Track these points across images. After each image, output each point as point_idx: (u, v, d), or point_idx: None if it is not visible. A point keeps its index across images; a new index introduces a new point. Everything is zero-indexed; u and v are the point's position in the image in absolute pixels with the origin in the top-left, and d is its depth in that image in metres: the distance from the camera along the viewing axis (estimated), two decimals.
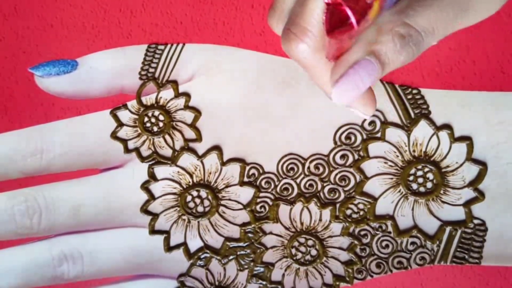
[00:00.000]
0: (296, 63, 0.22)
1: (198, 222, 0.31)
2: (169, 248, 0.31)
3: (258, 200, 0.31)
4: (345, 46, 0.20)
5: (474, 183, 0.29)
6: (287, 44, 0.21)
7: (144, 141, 0.31)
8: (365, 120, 0.30)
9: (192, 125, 0.31)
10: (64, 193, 0.31)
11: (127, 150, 0.31)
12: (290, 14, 0.21)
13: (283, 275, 0.30)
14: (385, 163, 0.30)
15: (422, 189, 0.30)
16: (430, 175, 0.30)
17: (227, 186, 0.31)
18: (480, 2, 0.20)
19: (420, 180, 0.30)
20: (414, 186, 0.30)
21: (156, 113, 0.31)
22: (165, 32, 0.32)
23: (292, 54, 0.21)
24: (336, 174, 0.30)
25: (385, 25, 0.19)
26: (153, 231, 0.31)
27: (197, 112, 0.31)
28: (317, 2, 0.20)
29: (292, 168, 0.31)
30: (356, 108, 0.24)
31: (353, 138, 0.30)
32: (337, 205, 0.30)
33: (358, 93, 0.20)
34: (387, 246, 0.30)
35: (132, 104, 0.31)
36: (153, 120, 0.31)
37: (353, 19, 0.17)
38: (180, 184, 0.31)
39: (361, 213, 0.30)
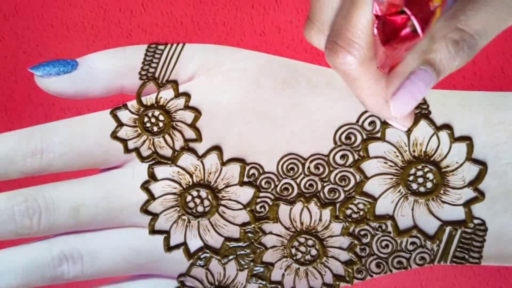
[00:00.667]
0: (340, 75, 0.21)
1: (198, 222, 0.31)
2: (169, 248, 0.31)
3: (258, 200, 0.31)
4: (398, 56, 0.20)
5: (474, 183, 0.29)
6: (334, 56, 0.21)
7: (144, 141, 0.31)
8: (365, 120, 0.30)
9: (192, 125, 0.31)
10: (64, 193, 0.31)
11: (127, 150, 0.31)
12: (334, 26, 0.21)
13: (283, 275, 0.30)
14: (385, 163, 0.30)
15: (422, 189, 0.30)
16: (430, 175, 0.30)
17: (227, 186, 0.31)
18: None
19: (420, 180, 0.30)
20: (414, 186, 0.30)
21: (156, 113, 0.31)
22: (165, 32, 0.32)
23: (339, 66, 0.21)
24: (336, 174, 0.30)
25: (438, 32, 0.19)
26: (153, 231, 0.31)
27: (197, 112, 0.31)
28: (363, 14, 0.19)
29: (292, 168, 0.31)
30: (395, 123, 0.24)
31: (353, 138, 0.30)
32: (337, 205, 0.30)
33: (416, 103, 0.20)
34: (387, 246, 0.30)
35: (132, 104, 0.31)
36: (153, 120, 0.31)
37: (418, 28, 0.17)
38: (180, 184, 0.31)
39: (361, 213, 0.30)
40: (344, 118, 0.30)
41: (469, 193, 0.29)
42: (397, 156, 0.30)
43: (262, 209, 0.31)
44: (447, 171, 0.30)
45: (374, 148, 0.30)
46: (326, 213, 0.30)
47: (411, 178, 0.30)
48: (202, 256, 0.31)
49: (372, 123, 0.30)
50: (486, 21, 0.20)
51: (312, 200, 0.30)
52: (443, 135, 0.30)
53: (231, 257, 0.30)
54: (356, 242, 0.30)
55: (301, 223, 0.30)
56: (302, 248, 0.30)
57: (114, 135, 0.31)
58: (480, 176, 0.29)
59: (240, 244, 0.30)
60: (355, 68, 0.21)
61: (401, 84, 0.20)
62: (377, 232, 0.30)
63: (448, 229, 0.29)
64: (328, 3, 0.22)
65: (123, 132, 0.31)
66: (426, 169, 0.30)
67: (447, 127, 0.30)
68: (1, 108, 0.33)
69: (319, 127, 0.30)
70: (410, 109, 0.20)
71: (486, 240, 0.29)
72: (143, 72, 0.31)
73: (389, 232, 0.30)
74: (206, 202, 0.31)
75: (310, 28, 0.24)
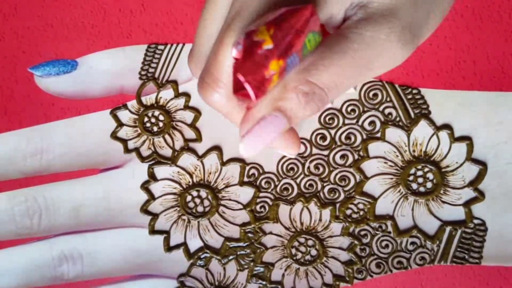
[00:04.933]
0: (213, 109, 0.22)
1: (198, 222, 0.31)
2: (169, 248, 0.31)
3: (258, 200, 0.31)
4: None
5: (474, 183, 0.29)
6: (202, 92, 0.22)
7: (144, 141, 0.31)
8: (365, 120, 0.30)
9: (192, 125, 0.31)
10: (64, 193, 0.31)
11: (127, 150, 0.31)
12: (206, 62, 0.22)
13: (283, 275, 0.30)
14: (385, 163, 0.30)
15: (422, 189, 0.30)
16: (430, 175, 0.30)
17: (227, 186, 0.31)
18: (384, 58, 0.21)
19: (420, 180, 0.30)
20: (414, 186, 0.30)
21: (156, 113, 0.31)
22: (165, 32, 0.32)
23: (207, 102, 0.22)
24: (336, 174, 0.30)
25: (290, 83, 0.20)
26: (153, 231, 0.31)
27: (197, 112, 0.31)
28: (228, 55, 0.20)
29: (292, 168, 0.31)
30: (279, 149, 0.25)
31: (353, 138, 0.30)
32: (337, 205, 0.30)
33: (265, 146, 0.21)
34: (387, 246, 0.30)
35: (132, 104, 0.31)
36: (153, 120, 0.31)
37: (252, 94, 0.18)
38: (180, 184, 0.31)
39: (361, 213, 0.30)
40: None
41: (469, 193, 0.29)
42: (397, 156, 0.30)
43: (262, 209, 0.31)
44: (447, 171, 0.30)
45: (374, 148, 0.30)
46: (326, 213, 0.30)
47: (411, 178, 0.30)
48: (202, 256, 0.31)
49: (372, 123, 0.30)
50: (336, 77, 0.20)
51: (312, 200, 0.30)
52: (443, 135, 0.30)
53: (231, 257, 0.30)
54: (356, 242, 0.30)
55: (301, 223, 0.30)
56: (302, 248, 0.30)
57: (114, 135, 0.31)
58: (480, 176, 0.29)
59: (240, 244, 0.30)
60: (223, 104, 0.22)
61: (251, 127, 0.21)
62: (377, 232, 0.30)
63: (448, 229, 0.29)
64: (205, 40, 0.23)
65: (123, 132, 0.31)
66: (426, 169, 0.30)
67: (447, 127, 0.30)
68: (1, 108, 0.33)
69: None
70: (258, 150, 0.21)
71: (486, 240, 0.29)
72: (143, 72, 0.31)
73: (389, 232, 0.30)
74: (206, 202, 0.31)
75: (191, 61, 0.25)
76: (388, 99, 0.30)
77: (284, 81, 0.20)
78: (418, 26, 0.21)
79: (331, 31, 0.22)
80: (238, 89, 0.18)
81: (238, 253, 0.30)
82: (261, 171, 0.31)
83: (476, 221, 0.29)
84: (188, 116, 0.31)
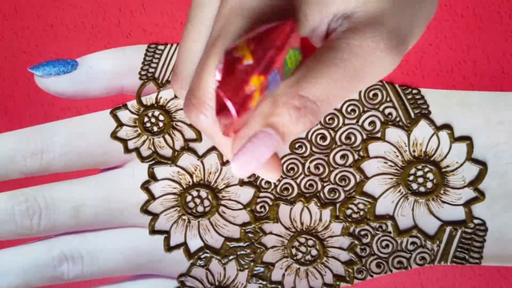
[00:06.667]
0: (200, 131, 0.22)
1: (198, 222, 0.31)
2: (169, 248, 0.31)
3: (258, 200, 0.31)
4: (241, 123, 0.20)
5: (474, 183, 0.29)
6: (188, 114, 0.21)
7: (144, 141, 0.31)
8: (365, 120, 0.30)
9: (192, 125, 0.31)
10: (64, 193, 0.31)
11: (127, 150, 0.31)
12: (191, 84, 0.21)
13: (283, 275, 0.30)
14: (385, 163, 0.30)
15: (422, 189, 0.30)
16: (430, 175, 0.30)
17: (227, 186, 0.31)
18: (374, 67, 0.21)
19: (420, 180, 0.30)
20: (414, 186, 0.30)
21: (156, 113, 0.31)
22: (165, 32, 0.32)
23: (194, 123, 0.22)
24: (336, 174, 0.30)
25: (280, 97, 0.20)
26: (153, 231, 0.31)
27: None
28: (211, 77, 0.20)
29: (292, 168, 0.31)
30: (261, 174, 0.25)
31: (353, 138, 0.30)
32: (337, 205, 0.30)
33: (258, 165, 0.20)
34: (387, 246, 0.30)
35: (132, 104, 0.31)
36: (153, 120, 0.31)
37: (232, 110, 0.17)
38: (180, 184, 0.31)
39: (361, 213, 0.30)
40: None
41: (469, 193, 0.29)
42: (397, 156, 0.30)
43: (262, 209, 0.31)
44: (447, 171, 0.30)
45: (374, 148, 0.30)
46: (326, 213, 0.30)
47: (411, 178, 0.30)
48: (202, 256, 0.31)
49: (372, 123, 0.30)
50: (328, 90, 0.20)
51: (312, 200, 0.30)
52: (443, 135, 0.30)
53: (231, 257, 0.30)
54: (356, 242, 0.30)
55: (301, 223, 0.30)
56: (303, 248, 0.30)
57: (114, 135, 0.31)
58: (480, 176, 0.29)
59: (240, 244, 0.30)
60: (208, 126, 0.21)
61: (243, 145, 0.20)
62: (377, 232, 0.30)
63: (448, 229, 0.29)
64: (188, 61, 0.23)
65: (123, 132, 0.31)
66: (426, 169, 0.30)
67: (447, 127, 0.30)
68: (1, 108, 0.33)
69: None
70: (252, 170, 0.20)
71: (486, 240, 0.29)
72: (143, 72, 0.31)
73: (389, 232, 0.30)
74: (206, 202, 0.31)
75: (175, 82, 0.24)
76: (388, 99, 0.30)
77: (275, 96, 0.20)
78: (404, 32, 0.21)
79: (317, 45, 0.22)
80: (220, 109, 0.18)
81: (238, 253, 0.30)
82: None
83: (476, 221, 0.29)
84: None
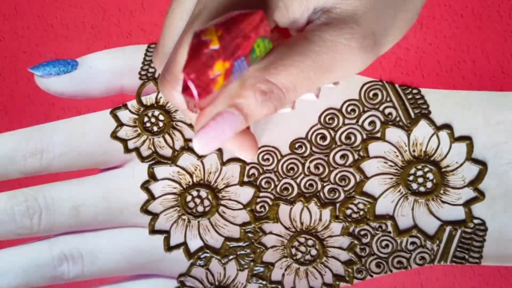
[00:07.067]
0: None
1: (198, 222, 0.31)
2: (169, 248, 0.31)
3: (258, 200, 0.31)
4: (204, 103, 0.20)
5: (474, 183, 0.29)
6: (162, 88, 0.22)
7: (144, 141, 0.31)
8: (365, 119, 0.30)
9: (192, 125, 0.31)
10: (64, 193, 0.31)
11: (127, 150, 0.31)
12: (167, 60, 0.22)
13: (283, 274, 0.30)
14: (385, 163, 0.30)
15: (422, 189, 0.30)
16: (430, 175, 0.30)
17: (227, 186, 0.31)
18: (344, 63, 0.21)
19: (420, 180, 0.30)
20: (414, 186, 0.30)
21: (156, 113, 0.31)
22: None
23: (166, 98, 0.22)
24: (336, 174, 0.30)
25: (248, 79, 0.20)
26: (153, 231, 0.31)
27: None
28: (184, 55, 0.20)
29: (292, 168, 0.31)
30: (234, 152, 0.25)
31: (353, 138, 0.30)
32: (337, 205, 0.30)
33: (220, 143, 0.21)
34: (387, 246, 0.30)
35: (132, 104, 0.31)
36: (153, 120, 0.31)
37: (194, 92, 0.18)
38: (180, 184, 0.31)
39: (361, 213, 0.30)
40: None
41: (469, 193, 0.29)
42: (397, 156, 0.30)
43: (262, 209, 0.31)
44: (447, 171, 0.30)
45: (374, 148, 0.30)
46: (326, 213, 0.30)
47: (411, 178, 0.30)
48: (202, 256, 0.31)
49: (372, 123, 0.30)
50: (295, 78, 0.20)
51: (312, 200, 0.30)
52: (443, 135, 0.30)
53: (231, 257, 0.30)
54: (356, 242, 0.30)
55: (301, 223, 0.30)
56: (302, 248, 0.30)
57: (114, 135, 0.31)
58: (480, 176, 0.29)
59: (240, 244, 0.30)
60: (180, 102, 0.22)
61: (206, 123, 0.20)
62: (377, 232, 0.30)
63: (448, 229, 0.29)
64: (169, 38, 0.23)
65: (123, 132, 0.31)
66: (426, 169, 0.30)
67: (447, 127, 0.30)
68: (1, 108, 0.33)
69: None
70: (214, 147, 0.21)
71: (486, 240, 0.29)
72: (143, 72, 0.31)
73: (389, 232, 0.30)
74: (206, 202, 0.31)
75: (155, 58, 0.24)
76: (388, 99, 0.30)
77: (242, 78, 0.20)
78: (381, 34, 0.21)
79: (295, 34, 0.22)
80: (185, 89, 0.18)
81: (238, 253, 0.30)
82: (261, 171, 0.31)
83: (476, 221, 0.29)
84: None
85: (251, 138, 0.25)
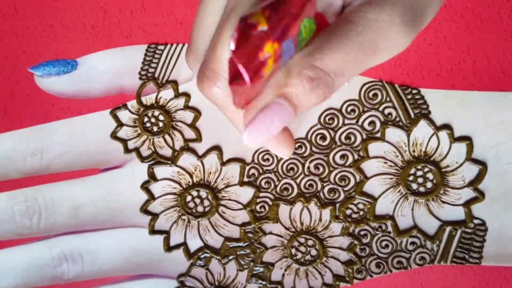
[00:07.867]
0: (212, 103, 0.22)
1: (198, 222, 0.31)
2: (169, 248, 0.31)
3: (258, 200, 0.31)
4: (253, 94, 0.20)
5: (474, 183, 0.29)
6: (201, 86, 0.21)
7: (144, 141, 0.31)
8: (365, 120, 0.30)
9: (192, 125, 0.31)
10: (64, 193, 0.31)
11: (127, 150, 0.31)
12: (205, 56, 0.21)
13: (283, 275, 0.30)
14: (385, 163, 0.30)
15: (422, 189, 0.30)
16: (430, 175, 0.30)
17: (227, 186, 0.31)
18: (388, 41, 0.21)
19: (420, 180, 0.30)
20: (414, 186, 0.30)
21: (156, 113, 0.31)
22: (165, 32, 0.32)
23: (206, 95, 0.21)
24: (336, 174, 0.30)
25: (294, 68, 0.19)
26: (153, 231, 0.31)
27: (197, 112, 0.31)
28: (225, 48, 0.20)
29: (292, 168, 0.31)
30: (272, 150, 0.24)
31: (353, 138, 0.30)
32: (337, 205, 0.30)
33: (269, 136, 0.20)
34: (387, 246, 0.30)
35: (132, 104, 0.31)
36: (153, 120, 0.31)
37: (246, 76, 0.17)
38: (180, 184, 0.31)
39: (361, 213, 0.30)
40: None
41: (469, 193, 0.29)
42: (397, 156, 0.30)
43: (262, 209, 0.31)
44: (447, 171, 0.30)
45: (374, 148, 0.30)
46: (326, 213, 0.30)
47: (411, 178, 0.30)
48: (202, 256, 0.31)
49: (372, 123, 0.30)
50: (342, 62, 0.20)
51: (312, 200, 0.30)
52: (443, 135, 0.30)
53: (231, 257, 0.30)
54: (356, 242, 0.30)
55: (301, 223, 0.30)
56: (302, 248, 0.30)
57: (114, 135, 0.31)
58: (480, 176, 0.29)
59: (240, 244, 0.30)
60: (221, 99, 0.21)
61: (255, 116, 0.20)
62: (377, 232, 0.30)
63: (448, 229, 0.29)
64: (203, 35, 0.23)
65: (123, 132, 0.31)
66: (426, 169, 0.30)
67: (447, 127, 0.30)
68: (1, 108, 0.33)
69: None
70: (263, 141, 0.20)
71: (486, 240, 0.29)
72: (143, 72, 0.31)
73: (389, 232, 0.30)
74: (206, 202, 0.31)
75: (189, 55, 0.24)
76: (388, 99, 0.30)
77: (288, 66, 0.19)
78: (421, 8, 0.21)
79: (331, 20, 0.22)
80: (233, 78, 0.17)
81: (238, 253, 0.30)
82: (261, 171, 0.31)
83: (476, 221, 0.29)
84: (188, 116, 0.31)
85: (289, 135, 0.24)
